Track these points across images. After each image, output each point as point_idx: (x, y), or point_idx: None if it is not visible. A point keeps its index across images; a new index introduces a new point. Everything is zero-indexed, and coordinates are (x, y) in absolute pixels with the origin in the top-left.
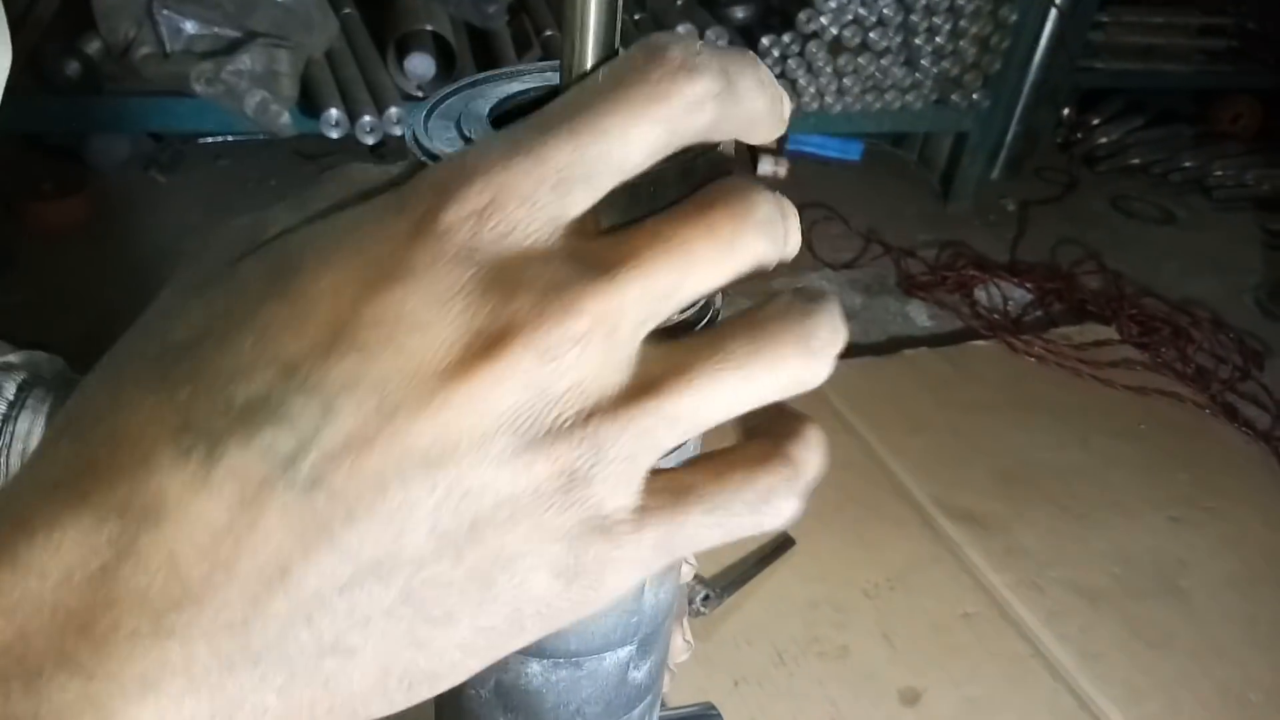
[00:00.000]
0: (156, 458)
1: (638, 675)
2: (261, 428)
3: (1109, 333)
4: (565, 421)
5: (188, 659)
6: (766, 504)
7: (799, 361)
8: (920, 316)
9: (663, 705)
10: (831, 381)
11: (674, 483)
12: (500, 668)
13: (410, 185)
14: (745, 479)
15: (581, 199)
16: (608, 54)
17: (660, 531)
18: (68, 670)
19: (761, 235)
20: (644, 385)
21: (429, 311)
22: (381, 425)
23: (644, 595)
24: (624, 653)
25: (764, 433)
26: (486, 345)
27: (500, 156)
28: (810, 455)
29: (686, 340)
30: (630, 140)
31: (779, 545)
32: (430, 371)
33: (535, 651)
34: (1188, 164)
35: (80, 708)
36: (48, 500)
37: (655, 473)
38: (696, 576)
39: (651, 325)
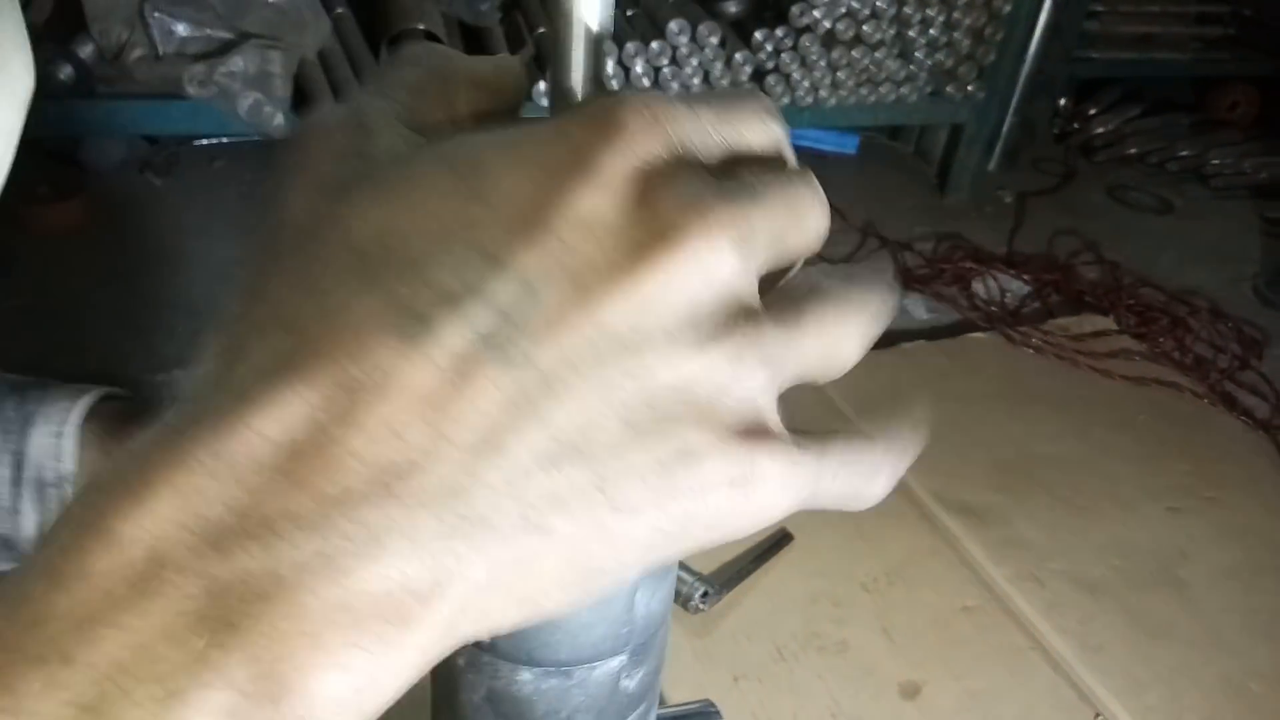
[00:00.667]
0: (375, 339)
1: (630, 685)
2: (471, 309)
3: (1107, 323)
4: (740, 323)
5: (411, 522)
6: (878, 475)
7: (864, 340)
8: (918, 309)
9: (662, 702)
10: (875, 441)
11: (811, 435)
12: (492, 675)
13: (591, 103)
14: (866, 449)
15: (714, 149)
16: (596, 88)
17: (813, 463)
18: (302, 530)
19: (826, 213)
20: (777, 315)
21: (616, 210)
22: (580, 308)
23: (635, 605)
24: (615, 663)
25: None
26: (666, 239)
27: (665, 97)
28: (911, 442)
29: (791, 298)
30: (745, 132)
31: (777, 541)
32: (622, 262)
33: (526, 660)
34: (1185, 153)
35: (316, 564)
36: (269, 379)
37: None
38: (696, 573)
39: (767, 264)
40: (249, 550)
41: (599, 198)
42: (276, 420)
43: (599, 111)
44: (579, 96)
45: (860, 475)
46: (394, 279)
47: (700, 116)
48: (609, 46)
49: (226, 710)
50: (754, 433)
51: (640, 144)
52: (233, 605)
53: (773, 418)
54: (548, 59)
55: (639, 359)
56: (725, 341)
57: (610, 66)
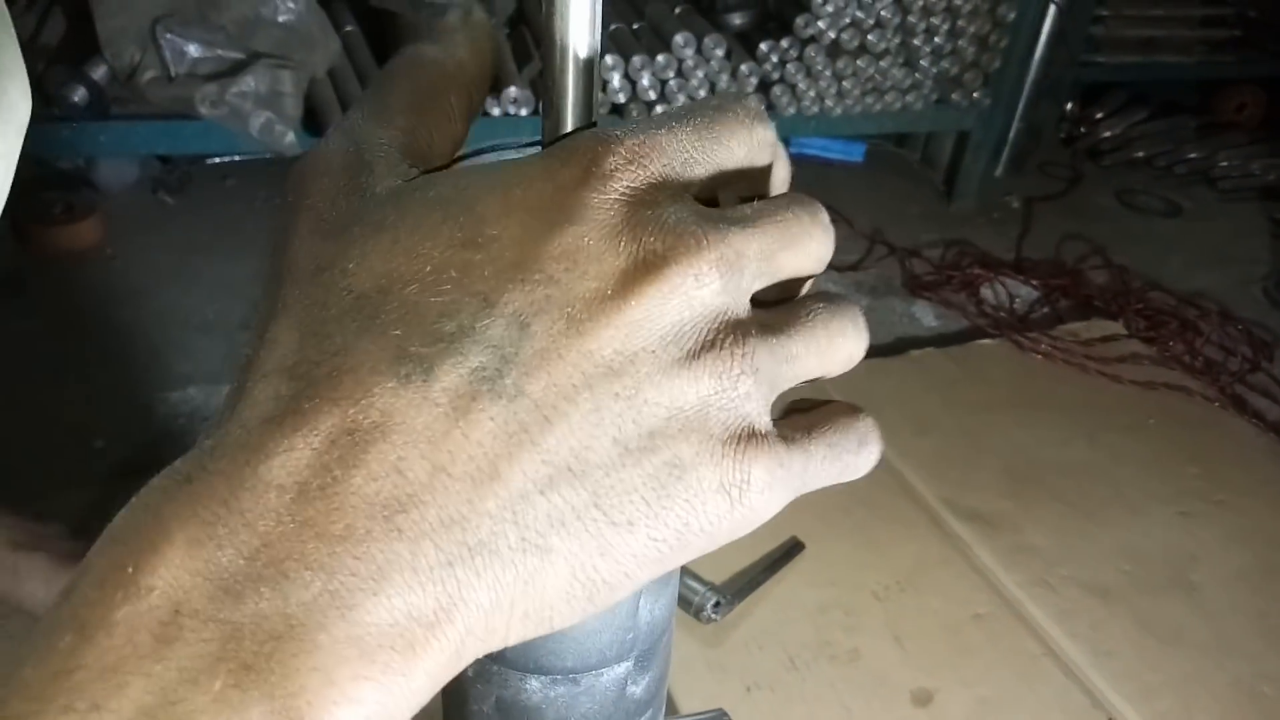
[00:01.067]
0: (378, 384)
1: (636, 690)
2: (469, 350)
3: (1116, 328)
4: (722, 339)
5: (414, 555)
6: (865, 445)
7: (858, 339)
8: (926, 316)
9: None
10: (837, 384)
11: (796, 423)
12: (500, 685)
13: (573, 141)
14: (848, 423)
15: (699, 174)
16: (586, 124)
17: (800, 457)
18: (310, 570)
19: (827, 236)
20: (766, 325)
21: (601, 245)
22: (571, 341)
23: (639, 611)
24: (621, 669)
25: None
26: (650, 268)
27: (646, 129)
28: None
29: (781, 306)
30: (730, 148)
31: (788, 550)
32: (608, 294)
33: (534, 668)
34: (1192, 155)
35: (324, 602)
36: (278, 428)
37: (776, 420)
38: (707, 583)
39: (759, 283)
40: (261, 593)
41: (584, 234)
42: (283, 467)
43: (580, 151)
44: (569, 122)
45: (849, 452)
46: (392, 323)
47: (682, 141)
48: (615, 61)
49: None
50: (743, 439)
51: (621, 180)
52: (247, 647)
53: (761, 422)
54: (544, 67)
55: (625, 381)
56: (708, 358)
57: (617, 80)
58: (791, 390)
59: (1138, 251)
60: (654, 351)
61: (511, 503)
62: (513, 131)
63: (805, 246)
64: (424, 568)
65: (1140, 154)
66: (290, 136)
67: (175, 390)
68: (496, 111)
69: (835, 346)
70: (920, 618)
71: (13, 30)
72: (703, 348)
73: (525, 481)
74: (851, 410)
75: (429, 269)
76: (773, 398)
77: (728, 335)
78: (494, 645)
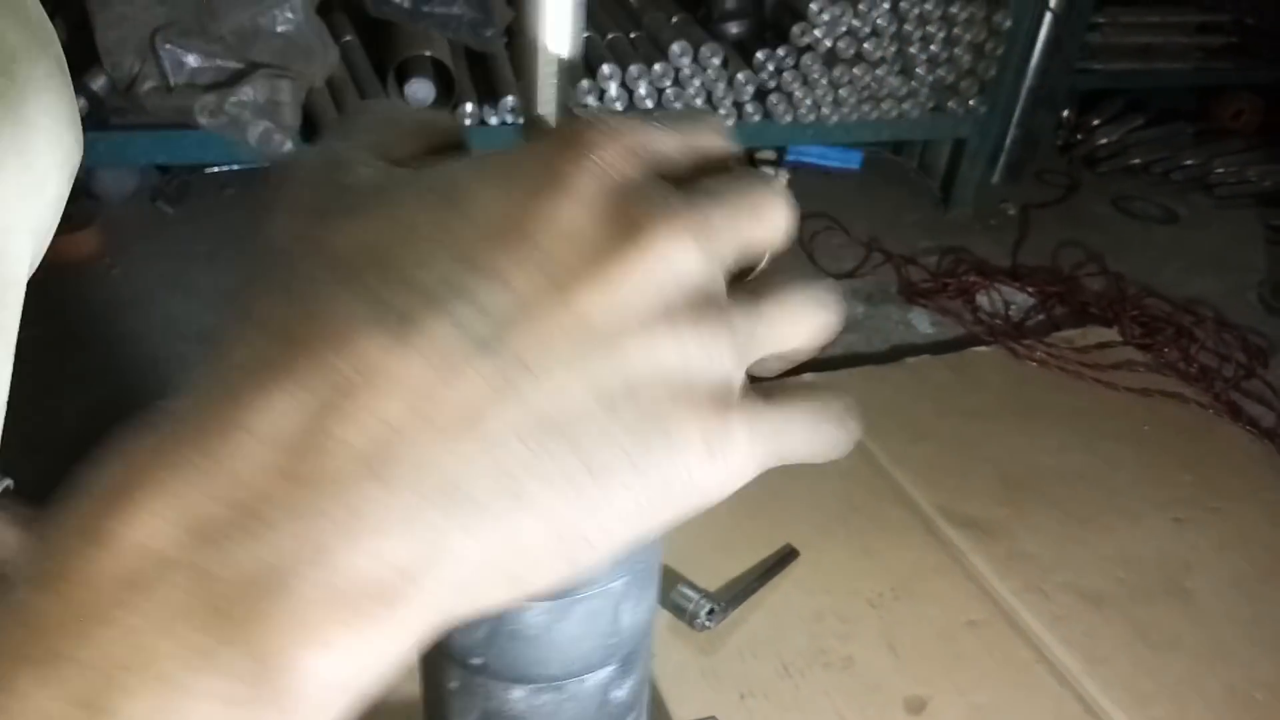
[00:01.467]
0: (358, 333)
1: (620, 694)
2: (450, 302)
3: (1111, 335)
4: (702, 306)
5: (393, 501)
6: (844, 423)
7: (831, 308)
8: (923, 324)
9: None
10: (834, 391)
11: (780, 387)
12: (485, 697)
13: (558, 129)
14: (830, 399)
15: (668, 161)
16: (565, 114)
17: (780, 419)
18: (289, 517)
19: (787, 208)
20: (741, 297)
21: (583, 213)
22: (552, 296)
23: (621, 616)
24: (604, 674)
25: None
26: (630, 237)
27: (620, 117)
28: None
29: (754, 280)
30: (695, 145)
31: (783, 557)
32: (589, 257)
33: (517, 678)
34: (1189, 162)
35: (302, 549)
36: (254, 376)
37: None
38: (701, 591)
39: (732, 255)
40: (239, 541)
41: (572, 208)
42: (265, 417)
43: (568, 134)
44: (550, 123)
45: (829, 425)
46: (376, 282)
47: (653, 131)
48: (612, 70)
49: (222, 696)
50: (726, 396)
51: (607, 160)
52: (223, 595)
53: (741, 381)
54: (523, 68)
55: (614, 344)
56: (690, 319)
57: (614, 88)
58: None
59: (1134, 258)
60: (642, 318)
61: (493, 453)
62: (511, 139)
63: (768, 216)
64: (406, 517)
65: (1137, 161)
66: (289, 145)
67: (172, 400)
68: (494, 120)
69: (807, 317)
70: (914, 625)
71: (69, 83)
72: (683, 310)
73: (506, 432)
74: (830, 389)
75: (414, 234)
76: (750, 360)
77: (711, 308)
78: (477, 605)
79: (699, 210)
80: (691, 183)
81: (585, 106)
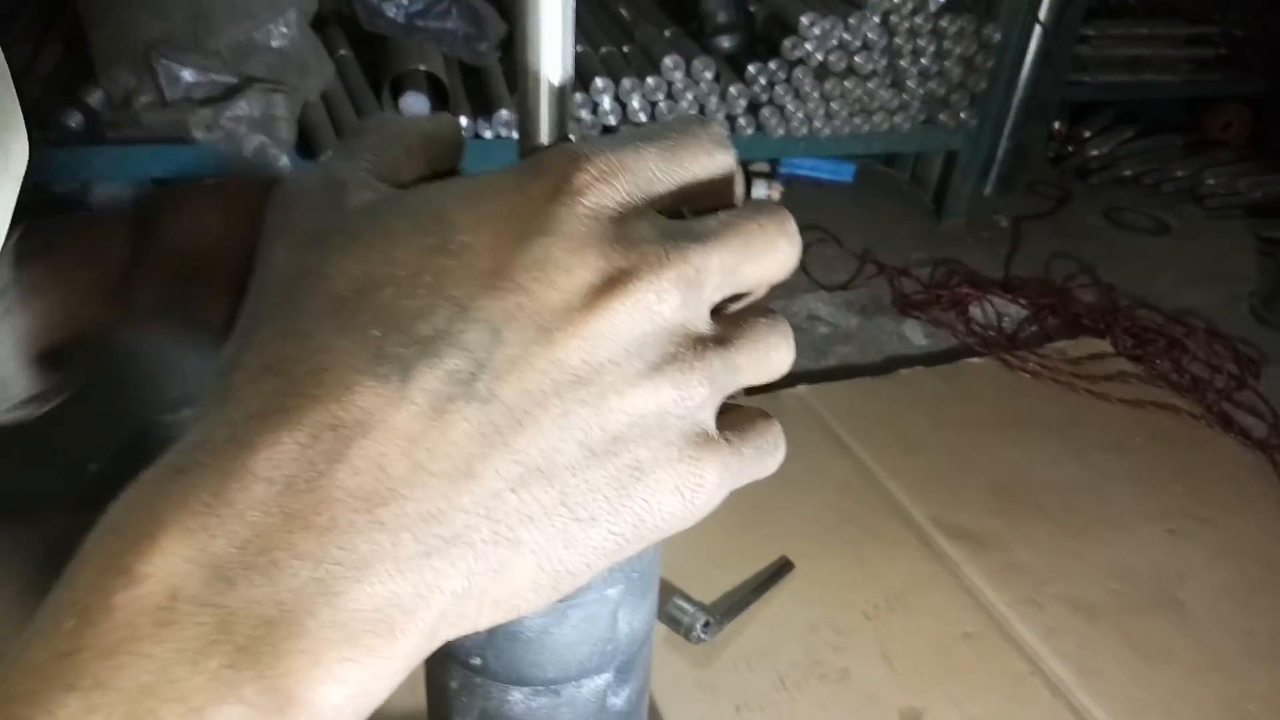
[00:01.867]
0: (359, 384)
1: (616, 702)
2: (444, 353)
3: (1104, 346)
4: (682, 352)
5: (395, 546)
6: (778, 448)
7: (789, 353)
8: (916, 335)
9: None
10: (827, 403)
11: (730, 426)
12: (484, 697)
13: (544, 156)
14: (768, 428)
15: (662, 192)
16: (560, 134)
17: (738, 459)
18: (298, 559)
19: (793, 246)
20: (719, 338)
21: (570, 258)
22: (541, 349)
23: (618, 623)
24: (601, 680)
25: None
26: (615, 284)
27: (613, 147)
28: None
29: (730, 317)
30: (691, 169)
31: (778, 570)
32: (576, 305)
33: (516, 680)
34: (1180, 173)
35: (311, 589)
36: (264, 423)
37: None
38: (697, 603)
39: (720, 294)
40: (253, 580)
41: (553, 247)
42: (270, 461)
43: (551, 167)
44: (544, 139)
45: (768, 454)
46: (369, 323)
47: (647, 160)
48: (605, 84)
49: None
50: (697, 444)
51: (590, 196)
52: (240, 630)
53: (712, 427)
54: (517, 90)
55: (591, 389)
56: (669, 369)
57: (608, 102)
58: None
59: (1125, 269)
60: (618, 362)
61: (485, 499)
62: (505, 153)
63: (769, 257)
64: (403, 558)
65: (1128, 172)
66: (284, 160)
67: (170, 413)
68: (489, 134)
69: (772, 360)
70: (909, 637)
71: (11, 86)
72: (663, 359)
73: (498, 480)
74: (766, 415)
75: (403, 273)
76: (728, 392)
77: (687, 348)
78: (465, 629)
79: (680, 250)
80: (679, 213)
81: (579, 121)
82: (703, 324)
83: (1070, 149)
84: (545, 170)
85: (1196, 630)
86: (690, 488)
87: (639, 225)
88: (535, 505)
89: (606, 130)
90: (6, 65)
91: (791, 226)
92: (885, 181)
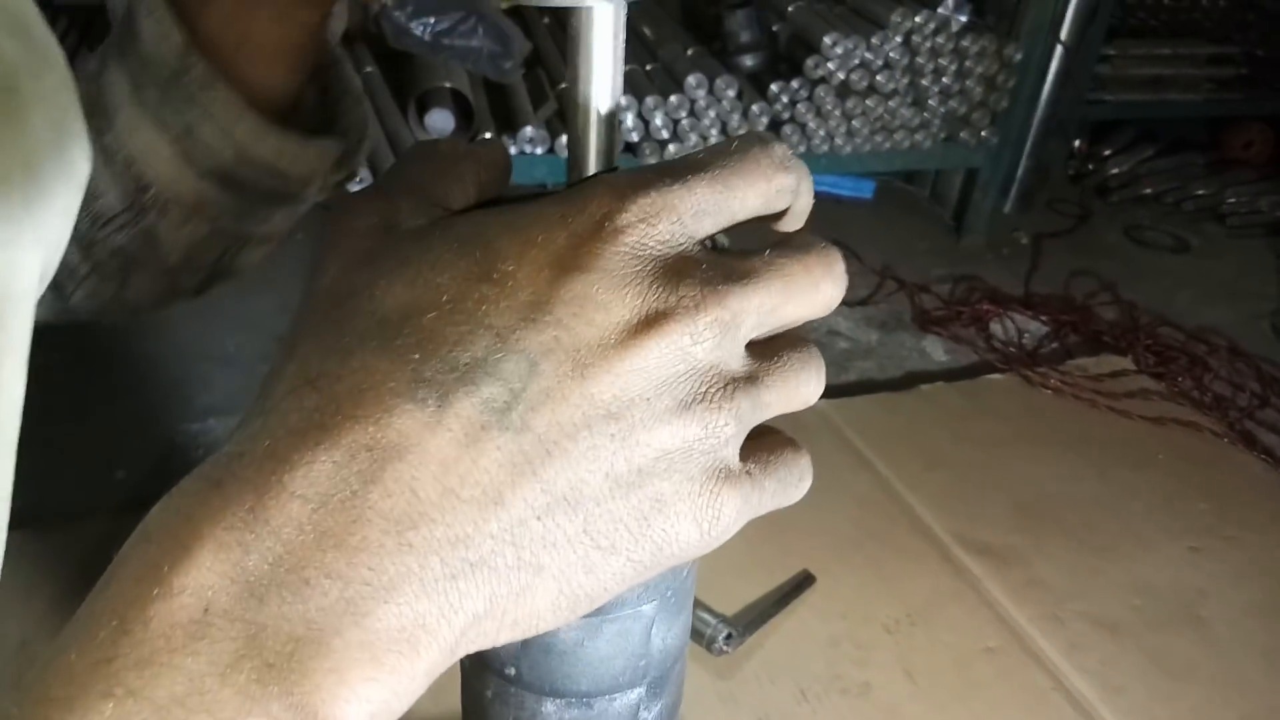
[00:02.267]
0: (397, 406)
1: (648, 717)
2: (481, 383)
3: (1125, 363)
4: (712, 392)
5: (422, 567)
6: (804, 480)
7: (819, 386)
8: (936, 351)
9: None
10: (848, 418)
11: (754, 455)
12: (517, 706)
13: (589, 189)
14: (794, 459)
15: (709, 227)
16: (607, 162)
17: (758, 492)
18: (329, 578)
19: (837, 288)
20: (750, 376)
21: (609, 295)
22: (574, 383)
23: (652, 639)
24: (634, 694)
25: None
26: (652, 323)
27: (661, 181)
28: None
29: (762, 347)
30: (745, 199)
31: (799, 583)
32: (611, 342)
33: (550, 691)
34: (1200, 192)
35: (340, 608)
36: (302, 440)
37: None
38: (719, 615)
39: (757, 332)
40: (284, 598)
41: (593, 284)
42: (306, 479)
43: (596, 202)
44: (592, 168)
45: (792, 485)
46: (410, 347)
47: (696, 195)
48: (629, 101)
49: None
50: (718, 479)
51: (631, 235)
52: (269, 646)
53: (735, 463)
54: (567, 119)
55: (621, 424)
56: (697, 408)
57: (631, 119)
58: None
59: (1146, 287)
60: (649, 399)
61: (512, 526)
62: (528, 169)
63: (810, 298)
64: (430, 580)
65: (1148, 191)
66: None
67: (195, 422)
68: (513, 150)
69: (800, 394)
70: (931, 651)
71: (76, 96)
72: (693, 399)
73: (525, 508)
74: (795, 446)
75: (446, 299)
76: (753, 424)
77: (717, 389)
78: (484, 645)
79: (725, 301)
80: (731, 253)
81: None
82: (735, 362)
83: (1090, 167)
84: (589, 205)
85: (1219, 648)
86: (709, 520)
87: (680, 265)
88: (559, 533)
89: (629, 148)
90: (74, 80)
91: (839, 269)
92: (905, 199)
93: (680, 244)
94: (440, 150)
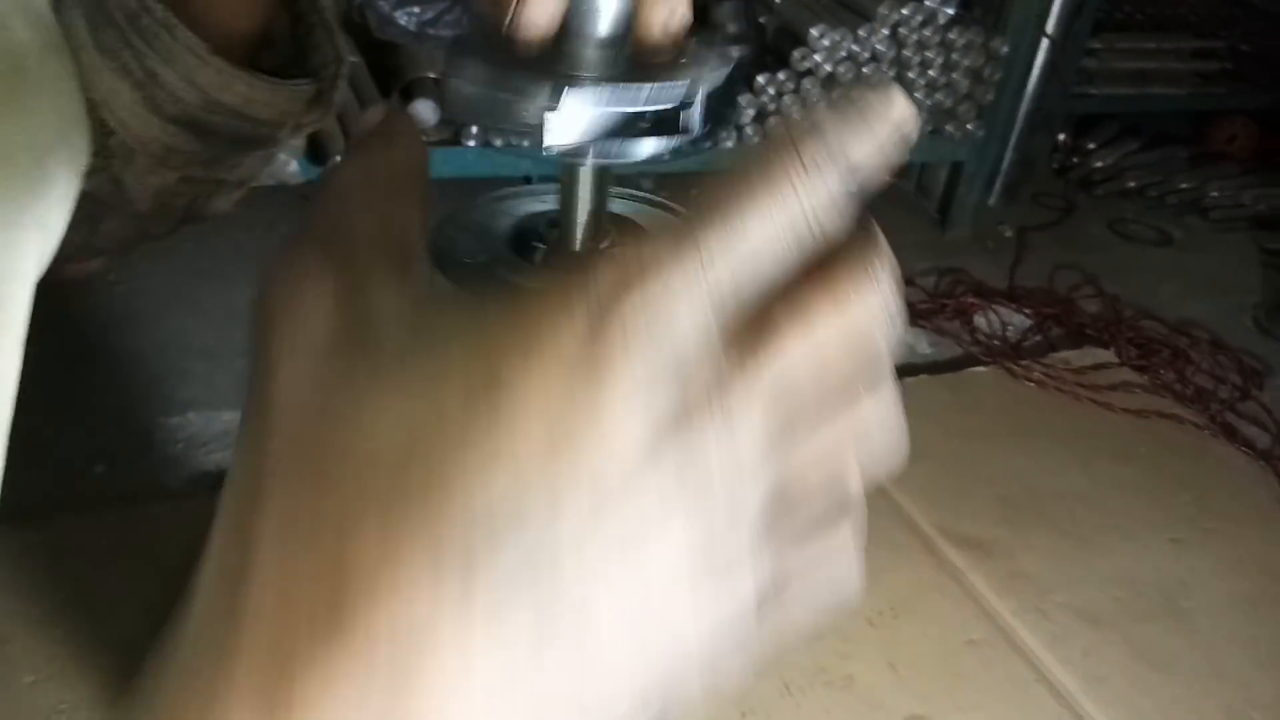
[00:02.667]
0: (413, 583)
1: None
2: (504, 534)
3: (1108, 356)
4: (738, 511)
5: None
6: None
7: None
8: (921, 344)
9: None
10: None
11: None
12: None
13: (588, 281)
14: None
15: (731, 298)
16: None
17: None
18: None
19: (896, 438)
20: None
21: (623, 406)
22: (598, 516)
23: None
24: None
25: None
26: (672, 431)
27: (670, 257)
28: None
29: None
30: (772, 257)
31: None
32: (632, 463)
33: None
34: (1184, 186)
35: None
36: (310, 637)
37: None
38: None
39: (783, 405)
40: None
41: (608, 396)
42: (330, 699)
43: (592, 296)
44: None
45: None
46: (420, 505)
47: (708, 264)
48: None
49: None
50: (740, 597)
51: (632, 338)
52: None
53: (758, 575)
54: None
55: (643, 552)
56: (723, 573)
57: None
58: None
59: (1130, 281)
60: (671, 525)
61: (539, 688)
62: (514, 161)
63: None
64: None
65: (1132, 184)
66: (293, 165)
67: (175, 416)
68: (499, 142)
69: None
70: (914, 644)
71: (77, 82)
72: (718, 548)
73: (543, 690)
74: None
75: (453, 432)
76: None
77: (747, 508)
78: None
79: (759, 373)
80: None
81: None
82: (756, 452)
83: (1075, 160)
84: (586, 301)
85: (1201, 638)
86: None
87: (697, 353)
88: (575, 701)
89: None
90: (75, 66)
91: (896, 415)
92: (890, 192)
93: (697, 328)
94: (374, 173)
